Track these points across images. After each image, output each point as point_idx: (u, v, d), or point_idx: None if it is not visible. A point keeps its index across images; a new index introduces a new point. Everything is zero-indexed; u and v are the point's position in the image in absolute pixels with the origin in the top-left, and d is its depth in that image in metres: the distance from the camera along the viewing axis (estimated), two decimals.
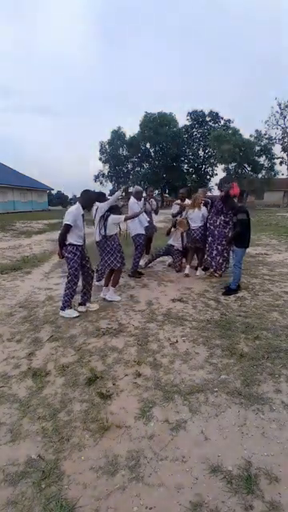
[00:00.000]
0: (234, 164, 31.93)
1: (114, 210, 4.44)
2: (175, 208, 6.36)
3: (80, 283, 4.08)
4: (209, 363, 2.84)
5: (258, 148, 31.31)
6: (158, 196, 38.35)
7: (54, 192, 51.61)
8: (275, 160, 32.31)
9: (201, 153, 40.87)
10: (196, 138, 40.63)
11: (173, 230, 6.22)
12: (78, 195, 4.16)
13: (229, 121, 38.28)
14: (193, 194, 6.24)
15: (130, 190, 6.16)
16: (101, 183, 43.11)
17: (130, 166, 42.76)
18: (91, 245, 4.80)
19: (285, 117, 33.03)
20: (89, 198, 4.05)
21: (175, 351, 3.07)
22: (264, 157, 31.64)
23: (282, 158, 33.54)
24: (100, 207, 4.58)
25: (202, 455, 1.84)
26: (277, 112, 33.05)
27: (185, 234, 6.14)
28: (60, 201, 55.59)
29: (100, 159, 42.00)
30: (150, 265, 6.63)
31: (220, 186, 5.79)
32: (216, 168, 40.23)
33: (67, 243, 3.86)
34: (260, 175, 32.08)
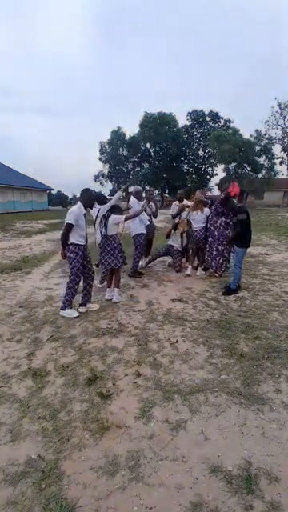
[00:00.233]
0: (234, 164, 31.94)
1: (115, 209, 4.44)
2: (174, 209, 6.36)
3: (81, 283, 4.08)
4: (209, 363, 2.84)
5: (258, 148, 31.31)
6: (157, 196, 38.37)
7: (53, 192, 51.62)
8: (275, 160, 32.34)
9: (201, 153, 40.86)
10: (196, 138, 40.61)
11: (173, 232, 6.22)
12: (78, 195, 4.16)
13: (229, 121, 38.31)
14: (192, 195, 6.24)
15: (130, 190, 6.16)
16: (101, 183, 43.13)
17: (129, 166, 42.74)
18: (91, 245, 4.80)
19: (285, 117, 33.04)
20: (90, 197, 4.05)
21: (175, 351, 3.07)
22: (264, 157, 31.65)
23: (282, 157, 33.57)
24: (102, 209, 4.59)
25: (202, 455, 1.84)
26: (277, 112, 33.08)
27: (184, 235, 6.15)
28: (60, 201, 55.55)
29: (100, 159, 41.99)
30: (149, 265, 6.63)
31: (220, 186, 5.81)
32: (216, 168, 40.27)
33: (69, 243, 3.86)
34: (260, 175, 32.07)
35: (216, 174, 40.96)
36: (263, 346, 3.11)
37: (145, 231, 5.75)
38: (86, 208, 3.96)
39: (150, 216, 6.19)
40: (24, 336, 3.46)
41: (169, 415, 2.18)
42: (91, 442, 1.96)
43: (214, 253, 5.61)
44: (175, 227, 6.14)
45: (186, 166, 42.07)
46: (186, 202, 6.24)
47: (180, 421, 2.13)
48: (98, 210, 4.84)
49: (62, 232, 3.90)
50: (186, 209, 6.01)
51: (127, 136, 39.91)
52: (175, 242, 6.22)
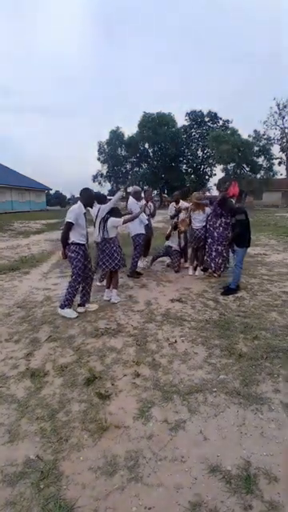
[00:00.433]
0: (232, 164, 31.97)
1: (114, 212, 4.46)
2: (172, 210, 6.39)
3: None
4: (208, 363, 2.84)
5: (256, 148, 31.37)
6: (156, 196, 38.37)
7: (52, 192, 51.53)
8: (274, 160, 32.42)
9: (199, 153, 40.89)
10: (195, 138, 40.64)
11: (173, 232, 6.23)
12: (77, 195, 4.17)
13: (227, 121, 38.34)
14: (190, 195, 6.26)
15: (128, 190, 6.18)
16: (99, 183, 43.07)
17: (128, 166, 42.71)
18: (91, 244, 4.79)
19: (283, 117, 33.22)
20: (89, 196, 4.04)
21: (174, 351, 3.07)
22: (263, 157, 31.70)
23: (281, 158, 33.73)
24: (102, 208, 4.60)
25: (201, 455, 1.84)
26: (275, 112, 33.29)
27: (182, 235, 6.18)
28: (58, 201, 55.38)
29: (98, 159, 41.96)
30: (144, 266, 6.65)
31: (219, 186, 5.81)
32: (215, 168, 40.28)
33: (70, 242, 3.84)
34: (259, 175, 32.12)
35: (215, 175, 41.03)
36: (262, 346, 3.12)
37: (144, 231, 5.77)
38: (85, 207, 3.96)
39: (148, 216, 6.21)
40: (22, 336, 3.45)
41: (168, 415, 2.18)
42: (90, 443, 1.95)
43: (214, 254, 5.63)
44: (175, 227, 6.15)
45: (184, 167, 42.09)
46: (182, 202, 6.26)
47: (179, 421, 2.12)
48: (97, 209, 4.84)
49: (62, 231, 3.89)
50: (183, 210, 6.04)
51: (126, 136, 39.90)
52: (173, 242, 6.25)
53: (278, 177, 33.40)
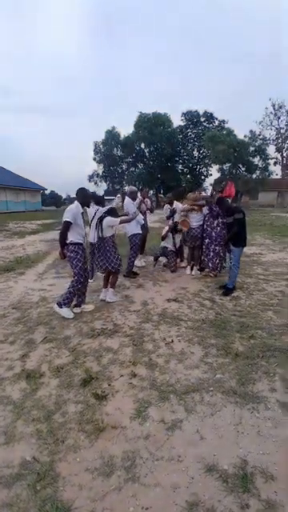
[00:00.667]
0: (228, 164, 32.07)
1: (111, 212, 4.46)
2: (167, 211, 6.41)
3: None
4: (204, 363, 2.85)
5: (252, 148, 31.51)
6: (152, 196, 38.35)
7: (47, 192, 51.25)
8: (269, 160, 32.56)
9: (195, 153, 40.93)
10: (191, 138, 40.69)
11: (169, 234, 6.25)
12: (72, 195, 4.16)
13: (223, 121, 38.40)
14: (187, 195, 6.29)
15: (124, 190, 6.22)
16: (95, 183, 42.95)
17: (124, 166, 42.62)
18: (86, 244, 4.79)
19: (279, 117, 33.40)
20: (85, 196, 4.03)
21: (170, 351, 3.07)
22: (258, 157, 31.85)
23: (276, 158, 33.91)
24: (100, 211, 4.61)
25: (198, 454, 1.84)
26: (271, 113, 33.44)
27: (176, 236, 6.21)
28: (54, 201, 55.17)
29: (94, 159, 41.82)
30: (144, 265, 6.66)
31: (214, 186, 5.84)
32: (211, 168, 40.30)
33: (68, 242, 3.82)
34: (254, 175, 32.27)
35: (211, 175, 41.11)
36: (258, 345, 3.13)
37: (140, 231, 5.79)
38: (83, 207, 3.95)
39: (144, 213, 6.21)
40: (17, 337, 3.43)
41: (164, 415, 2.18)
42: (86, 444, 1.95)
43: (211, 254, 5.66)
44: (174, 228, 6.17)
45: (180, 167, 42.09)
46: (176, 203, 6.30)
47: (176, 420, 2.12)
48: (95, 210, 4.85)
49: (60, 231, 3.86)
50: (178, 211, 6.09)
51: (122, 136, 39.85)
52: (169, 243, 6.29)
53: (274, 177, 33.57)
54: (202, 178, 41.65)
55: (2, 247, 9.78)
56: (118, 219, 4.47)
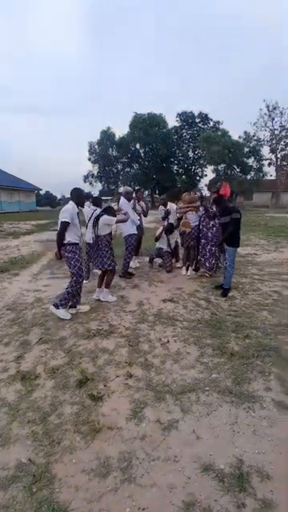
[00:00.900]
0: (223, 165, 32.29)
1: (108, 211, 4.46)
2: (161, 212, 6.44)
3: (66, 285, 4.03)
4: (200, 362, 2.85)
5: (246, 149, 31.78)
6: (148, 197, 38.40)
7: (42, 192, 50.94)
8: (264, 161, 32.92)
9: (190, 154, 41.11)
10: (186, 139, 40.86)
11: (164, 235, 6.29)
12: (67, 196, 4.14)
13: (218, 122, 38.70)
14: (182, 196, 6.34)
15: (120, 191, 6.24)
16: (90, 183, 42.91)
17: (119, 166, 42.64)
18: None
19: (273, 119, 33.68)
20: (80, 195, 4.02)
21: (166, 351, 3.07)
22: (253, 158, 32.14)
23: (270, 159, 34.22)
24: (97, 211, 4.61)
25: (194, 454, 1.84)
26: (265, 114, 33.71)
27: (171, 236, 6.26)
28: (48, 201, 54.75)
29: (89, 159, 41.79)
30: (138, 266, 6.67)
31: (210, 187, 5.88)
32: (206, 169, 40.59)
33: (66, 242, 3.79)
34: (249, 176, 32.55)
35: (206, 175, 41.36)
36: (253, 345, 3.15)
37: (136, 232, 5.79)
38: (78, 206, 3.93)
39: (139, 215, 6.23)
40: (12, 339, 3.40)
41: (160, 415, 2.18)
42: (82, 445, 1.94)
43: (208, 254, 5.69)
44: (167, 231, 6.20)
45: (175, 167, 42.25)
46: (170, 204, 6.33)
47: (172, 421, 2.12)
48: (92, 210, 4.86)
49: (57, 232, 3.81)
50: (173, 212, 6.14)
51: (117, 136, 39.84)
52: (163, 244, 6.33)
53: (268, 178, 33.88)
54: (197, 178, 41.90)
55: None
56: (115, 218, 4.48)
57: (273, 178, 34.67)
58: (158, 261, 6.74)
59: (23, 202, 33.22)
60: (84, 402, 2.32)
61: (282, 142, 33.98)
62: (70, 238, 3.80)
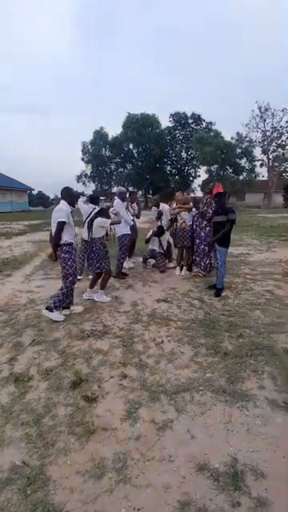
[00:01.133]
0: (216, 166, 32.49)
1: (102, 213, 4.46)
2: (154, 213, 6.47)
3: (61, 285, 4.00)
4: (194, 362, 2.87)
5: (239, 150, 32.07)
6: (141, 197, 38.39)
7: (34, 192, 50.53)
8: (256, 162, 33.29)
9: (184, 154, 41.22)
10: (179, 139, 40.95)
11: (154, 237, 6.35)
12: (60, 195, 4.10)
13: (210, 123, 38.87)
14: (175, 196, 6.39)
15: (113, 191, 6.25)
16: (83, 184, 42.68)
17: (113, 166, 42.53)
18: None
19: (265, 120, 34.05)
20: (71, 194, 3.99)
21: (160, 351, 3.08)
22: (245, 159, 32.45)
23: (262, 160, 34.61)
24: (96, 210, 4.63)
25: (189, 454, 1.85)
26: (257, 115, 34.05)
27: (162, 238, 6.31)
28: (41, 201, 54.42)
29: (82, 159, 41.58)
30: (132, 266, 6.66)
31: (203, 187, 5.92)
32: (199, 169, 40.73)
33: (62, 243, 3.76)
34: (241, 177, 32.83)
35: (199, 176, 41.50)
36: (246, 344, 3.17)
37: (129, 232, 5.80)
38: (70, 205, 3.91)
39: (133, 217, 6.24)
40: (5, 341, 3.36)
41: (155, 415, 2.18)
42: (77, 446, 1.93)
43: (202, 254, 5.72)
44: (159, 233, 6.25)
45: (169, 168, 42.31)
46: (163, 205, 6.37)
47: (166, 421, 2.13)
48: (91, 209, 4.86)
49: (54, 232, 3.75)
50: (165, 212, 6.20)
51: (110, 136, 39.74)
52: (155, 245, 6.38)
53: (260, 178, 34.24)
54: (191, 179, 42.02)
55: None
56: (109, 220, 4.48)
57: (265, 178, 35.05)
58: (152, 261, 6.75)
59: (15, 201, 32.88)
60: (78, 404, 2.31)
61: (274, 143, 34.39)
62: (66, 237, 3.77)
